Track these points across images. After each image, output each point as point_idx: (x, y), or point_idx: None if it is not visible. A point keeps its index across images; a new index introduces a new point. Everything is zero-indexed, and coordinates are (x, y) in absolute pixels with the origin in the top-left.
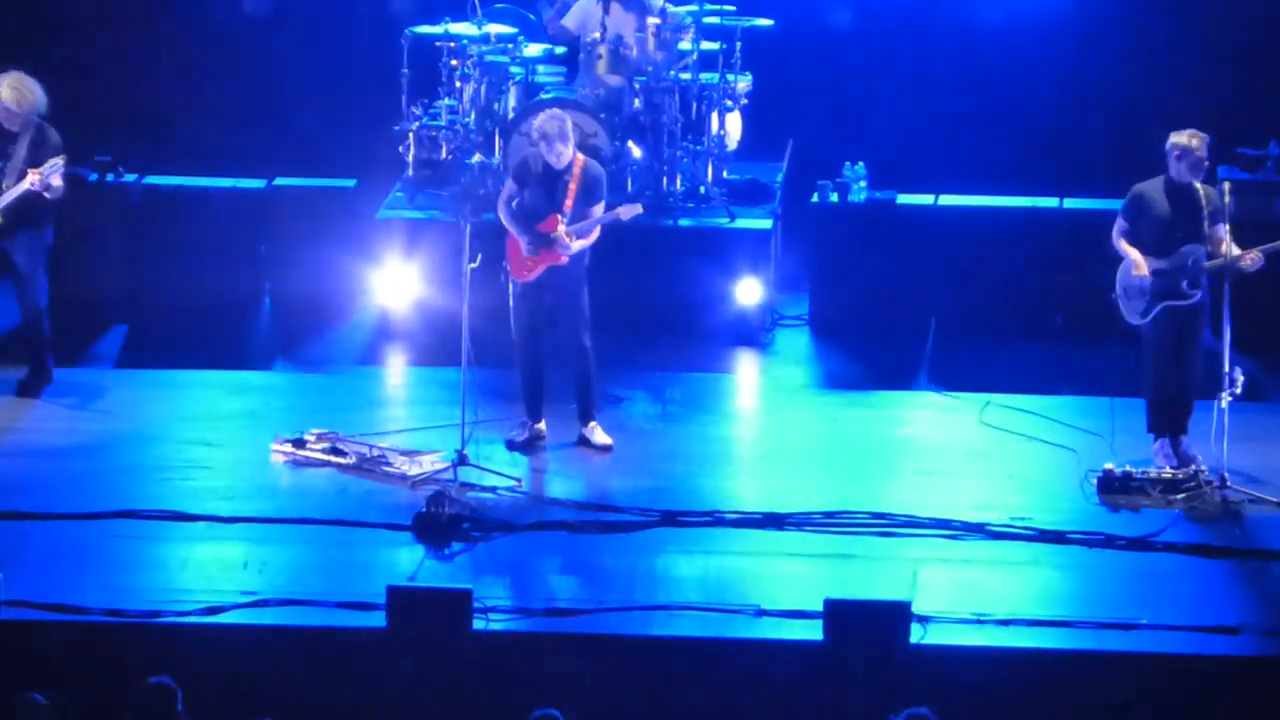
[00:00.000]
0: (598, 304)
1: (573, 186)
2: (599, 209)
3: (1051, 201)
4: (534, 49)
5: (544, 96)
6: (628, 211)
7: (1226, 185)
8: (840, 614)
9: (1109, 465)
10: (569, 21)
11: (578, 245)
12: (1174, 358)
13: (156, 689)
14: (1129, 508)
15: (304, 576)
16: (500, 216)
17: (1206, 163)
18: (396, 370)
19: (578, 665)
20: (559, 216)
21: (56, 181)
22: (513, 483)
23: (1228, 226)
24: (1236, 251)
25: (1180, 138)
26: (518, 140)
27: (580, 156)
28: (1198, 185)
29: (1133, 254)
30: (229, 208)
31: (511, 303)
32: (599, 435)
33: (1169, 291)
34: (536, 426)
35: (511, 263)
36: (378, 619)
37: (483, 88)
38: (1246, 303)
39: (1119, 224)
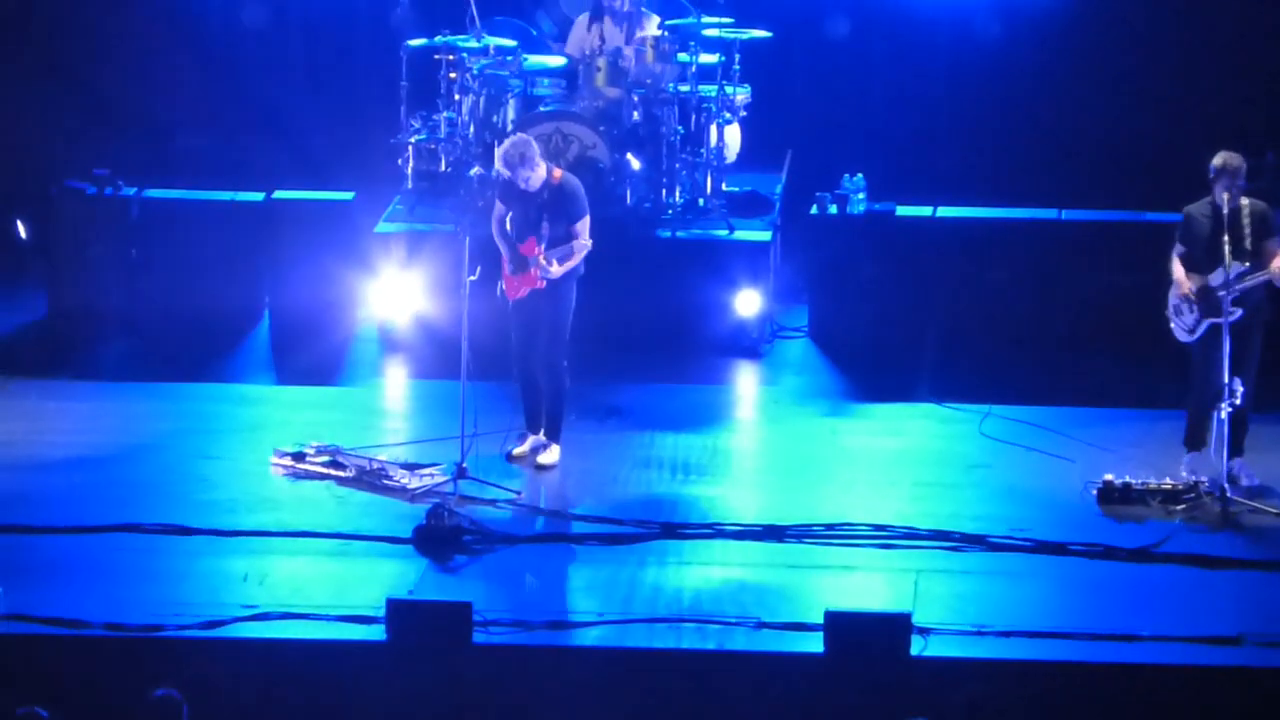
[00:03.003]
0: (598, 315)
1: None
2: (582, 224)
3: (1050, 213)
4: (533, 61)
5: (543, 109)
6: (580, 246)
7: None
8: (841, 626)
9: (1109, 476)
10: (570, 49)
11: (556, 270)
12: (1222, 375)
13: (164, 701)
14: (1129, 519)
15: (304, 589)
16: (494, 235)
17: (1241, 182)
18: (396, 383)
19: (578, 678)
20: (536, 241)
21: None
22: (513, 495)
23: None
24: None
25: (1216, 159)
26: None
27: (556, 173)
28: (1244, 202)
29: (1177, 273)
30: (228, 221)
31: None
32: (546, 454)
33: (1213, 309)
34: (537, 438)
35: (505, 280)
36: (378, 632)
37: (482, 100)
38: None
39: (1176, 246)
